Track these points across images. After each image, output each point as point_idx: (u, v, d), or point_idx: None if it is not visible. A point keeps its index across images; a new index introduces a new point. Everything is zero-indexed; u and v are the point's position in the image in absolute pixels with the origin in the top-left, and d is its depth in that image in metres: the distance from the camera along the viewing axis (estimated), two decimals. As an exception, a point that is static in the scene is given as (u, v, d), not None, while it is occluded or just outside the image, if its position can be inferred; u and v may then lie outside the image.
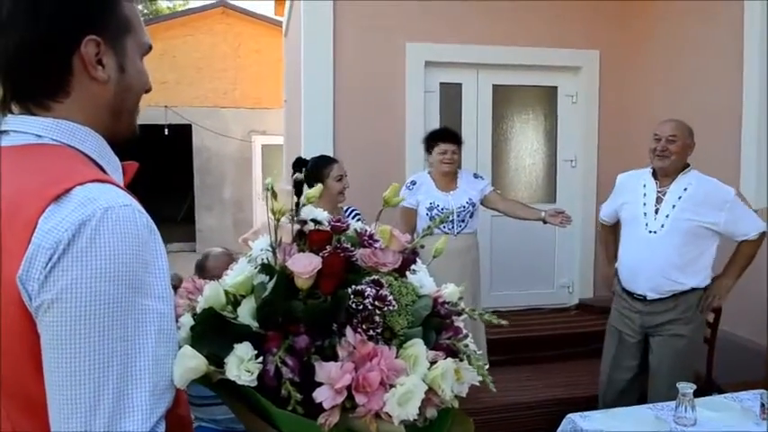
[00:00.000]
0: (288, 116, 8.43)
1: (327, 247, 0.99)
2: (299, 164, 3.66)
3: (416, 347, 0.93)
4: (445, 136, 4.13)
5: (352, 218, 3.60)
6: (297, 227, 1.02)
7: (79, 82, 0.96)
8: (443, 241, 1.17)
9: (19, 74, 0.95)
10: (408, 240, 1.08)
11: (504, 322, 1.09)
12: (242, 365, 0.87)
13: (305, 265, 0.92)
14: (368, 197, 4.23)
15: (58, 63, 0.94)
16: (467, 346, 1.03)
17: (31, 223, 0.82)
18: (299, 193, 1.05)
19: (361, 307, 0.90)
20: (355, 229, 1.06)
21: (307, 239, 1.01)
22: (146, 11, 25.31)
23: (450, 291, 1.10)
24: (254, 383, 0.87)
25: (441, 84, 5.40)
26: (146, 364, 0.84)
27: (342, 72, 5.12)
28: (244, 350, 0.88)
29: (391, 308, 0.92)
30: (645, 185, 3.36)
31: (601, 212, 3.77)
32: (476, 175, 4.25)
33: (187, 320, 0.95)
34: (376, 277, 0.96)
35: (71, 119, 0.96)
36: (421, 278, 1.07)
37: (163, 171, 12.74)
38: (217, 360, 0.89)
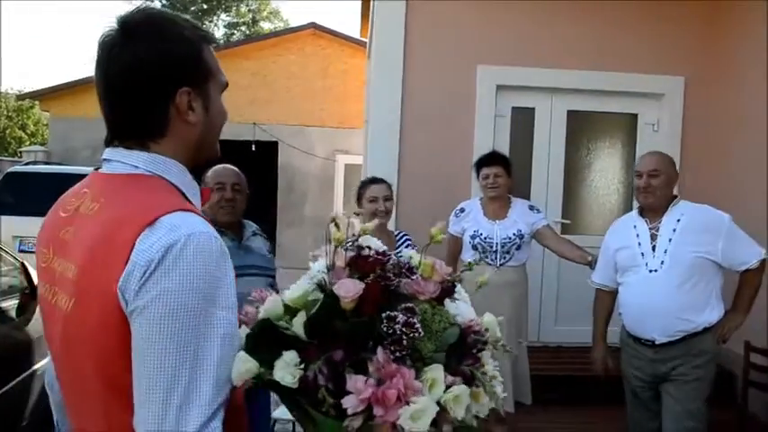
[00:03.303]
0: (366, 136, 8.47)
1: (372, 275, 1.11)
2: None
3: (435, 372, 1.05)
4: (489, 159, 3.97)
5: (403, 243, 3.54)
6: (351, 254, 1.16)
7: (174, 125, 1.16)
8: (485, 276, 1.29)
9: (125, 121, 1.16)
10: (448, 273, 1.19)
11: (515, 353, 1.26)
12: (287, 369, 1.03)
13: (348, 290, 1.06)
14: (431, 222, 4.15)
15: (157, 113, 1.15)
16: (484, 374, 1.15)
17: (129, 243, 1.02)
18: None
19: (391, 331, 1.03)
20: (398, 261, 1.19)
21: (357, 266, 1.15)
22: (248, 32, 26.32)
23: (487, 320, 1.22)
24: (295, 386, 1.03)
25: (513, 108, 5.26)
26: (212, 360, 1.02)
27: (411, 94, 5.07)
28: (290, 357, 1.04)
29: (417, 334, 1.04)
30: (635, 226, 3.13)
31: (594, 276, 3.40)
32: (531, 207, 4.00)
33: (244, 331, 1.11)
34: (411, 305, 1.07)
35: (163, 154, 1.16)
36: (459, 306, 1.19)
37: (250, 187, 13.03)
38: (270, 363, 1.05)
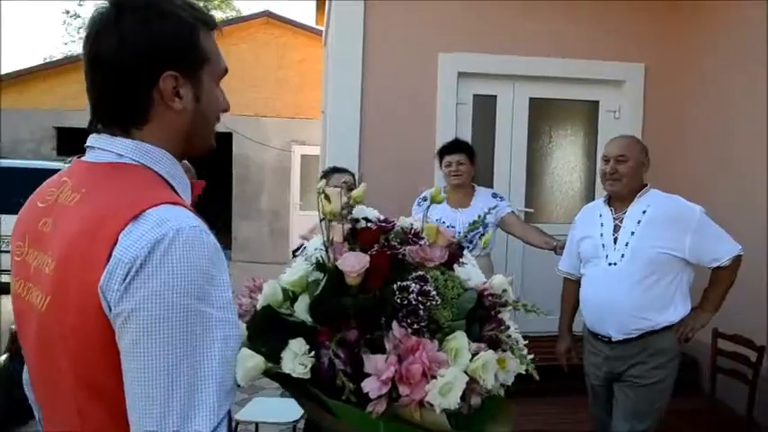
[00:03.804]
0: (324, 127, 8.31)
1: (375, 245, 1.05)
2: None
3: (458, 340, 0.98)
4: (451, 147, 3.88)
5: None
6: (347, 226, 1.09)
7: (158, 111, 1.08)
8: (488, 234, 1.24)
9: (106, 103, 1.09)
10: (453, 235, 1.14)
11: (543, 312, 1.19)
12: (296, 359, 0.95)
13: (353, 264, 0.98)
14: (393, 212, 4.06)
15: (139, 96, 1.06)
16: (509, 336, 1.09)
17: (112, 239, 0.94)
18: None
19: (405, 302, 0.96)
20: (402, 227, 1.13)
21: (357, 238, 1.08)
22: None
23: (497, 281, 1.16)
24: (308, 376, 0.94)
25: (474, 96, 5.18)
26: (213, 366, 0.93)
27: (371, 82, 4.94)
28: (297, 345, 0.96)
29: (434, 303, 0.97)
30: (601, 215, 2.95)
31: (560, 263, 3.26)
32: (495, 195, 3.94)
33: (242, 326, 1.03)
34: (422, 273, 1.01)
35: (148, 141, 1.08)
36: (468, 271, 1.14)
37: (202, 178, 12.75)
38: (276, 355, 0.97)
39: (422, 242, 1.10)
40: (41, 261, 1.04)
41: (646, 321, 2.76)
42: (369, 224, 1.11)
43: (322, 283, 1.01)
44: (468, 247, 3.63)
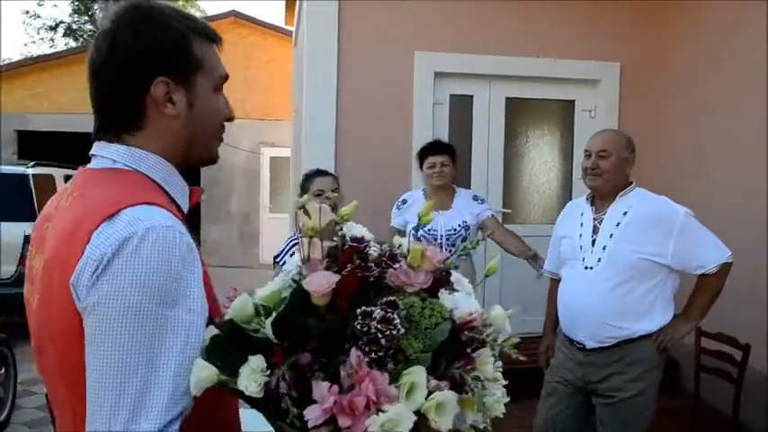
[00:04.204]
0: (296, 128, 8.19)
1: (349, 265, 1.00)
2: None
3: (415, 375, 0.91)
4: (434, 148, 3.81)
5: None
6: (329, 244, 1.04)
7: (153, 117, 1.10)
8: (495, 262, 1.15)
9: (104, 110, 1.12)
10: (442, 260, 1.06)
11: (522, 358, 1.10)
12: (251, 377, 0.90)
13: (319, 284, 0.93)
14: (370, 216, 3.99)
15: (132, 102, 1.09)
16: (478, 378, 1.00)
17: (86, 237, 0.95)
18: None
19: (365, 329, 0.90)
20: (379, 249, 1.07)
21: (336, 257, 1.03)
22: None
23: (495, 314, 1.08)
24: (260, 395, 0.90)
25: (451, 96, 5.13)
26: (168, 369, 0.92)
27: (346, 82, 4.86)
28: (256, 362, 0.92)
29: (394, 332, 0.90)
30: (582, 213, 2.79)
31: (546, 263, 3.13)
32: (476, 197, 3.87)
33: (209, 332, 0.98)
34: (393, 298, 0.94)
35: (143, 147, 1.10)
36: (457, 299, 1.04)
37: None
38: (236, 369, 0.92)
39: (397, 266, 1.02)
40: (38, 262, 1.08)
41: (620, 330, 2.60)
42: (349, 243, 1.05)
43: (285, 302, 0.97)
44: (451, 251, 3.59)
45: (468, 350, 1.01)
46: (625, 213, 2.64)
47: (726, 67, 4.43)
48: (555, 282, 3.03)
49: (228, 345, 0.96)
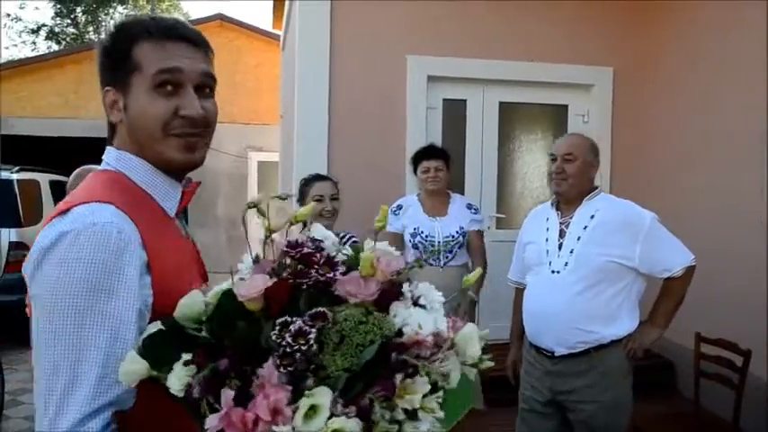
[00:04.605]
0: (284, 132, 8.13)
1: (288, 269, 0.95)
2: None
3: (317, 397, 0.84)
4: (428, 152, 3.77)
5: (348, 244, 3.27)
6: (282, 247, 0.99)
7: (116, 124, 1.18)
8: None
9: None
10: (395, 272, 0.96)
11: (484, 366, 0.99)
12: (179, 374, 0.89)
13: (248, 288, 0.90)
14: (363, 220, 3.94)
15: (106, 111, 1.18)
16: (392, 408, 0.87)
17: (41, 232, 1.02)
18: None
19: (280, 341, 0.85)
20: (317, 252, 0.97)
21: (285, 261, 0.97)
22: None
23: (463, 334, 0.96)
24: (181, 394, 0.88)
25: (444, 100, 5.10)
26: (97, 358, 0.95)
27: (338, 86, 4.81)
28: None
29: (304, 348, 0.84)
30: (548, 219, 2.76)
31: (510, 272, 3.05)
32: (470, 206, 3.81)
33: (153, 327, 0.97)
34: (322, 309, 0.88)
35: (123, 149, 1.17)
36: (414, 314, 0.93)
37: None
38: (171, 365, 0.91)
39: (333, 273, 0.94)
40: None
41: (590, 335, 2.56)
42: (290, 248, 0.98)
43: (215, 303, 0.95)
44: (448, 258, 3.53)
45: (400, 375, 0.88)
46: (592, 217, 2.62)
47: (718, 69, 4.43)
48: (520, 291, 2.96)
49: (169, 341, 0.94)
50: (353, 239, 3.37)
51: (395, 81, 4.88)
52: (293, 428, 0.82)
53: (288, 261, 0.96)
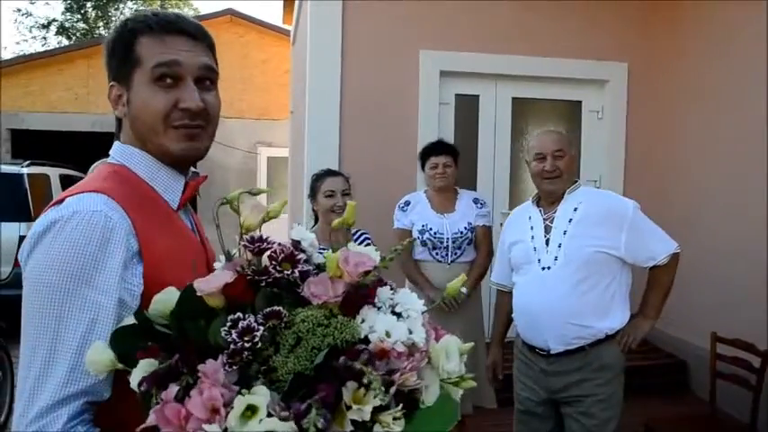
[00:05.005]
0: (294, 128, 8.10)
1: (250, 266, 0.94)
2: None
3: (254, 398, 0.81)
4: (436, 148, 3.72)
5: (361, 242, 3.25)
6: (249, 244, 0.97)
7: (122, 119, 1.20)
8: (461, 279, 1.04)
9: None
10: (363, 272, 0.92)
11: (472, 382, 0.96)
12: (143, 369, 0.87)
13: (206, 283, 0.89)
14: (375, 218, 3.93)
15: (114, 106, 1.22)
16: (324, 415, 0.81)
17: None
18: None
19: (227, 338, 0.84)
20: (281, 253, 0.95)
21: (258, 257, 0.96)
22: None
23: (440, 346, 0.92)
24: (136, 388, 0.86)
25: (456, 95, 5.04)
26: (72, 344, 0.96)
27: (350, 81, 4.77)
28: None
29: (246, 345, 0.83)
30: (530, 217, 2.71)
31: (492, 274, 3.00)
32: (476, 200, 3.75)
33: (129, 319, 0.96)
34: (278, 308, 0.86)
35: (128, 143, 1.20)
36: (384, 320, 0.88)
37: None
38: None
39: (289, 272, 0.92)
40: None
41: (586, 329, 2.53)
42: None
43: (176, 298, 0.93)
44: (456, 254, 3.49)
45: (353, 383, 0.83)
46: (575, 210, 2.58)
47: (735, 65, 4.37)
48: (503, 294, 2.92)
49: (139, 335, 0.93)
50: (366, 237, 3.33)
51: (407, 76, 4.83)
52: (227, 428, 0.79)
53: (249, 257, 0.95)
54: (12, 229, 6.32)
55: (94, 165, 3.05)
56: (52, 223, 1.00)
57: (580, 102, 5.25)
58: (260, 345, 0.84)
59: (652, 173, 5.06)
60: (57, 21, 22.73)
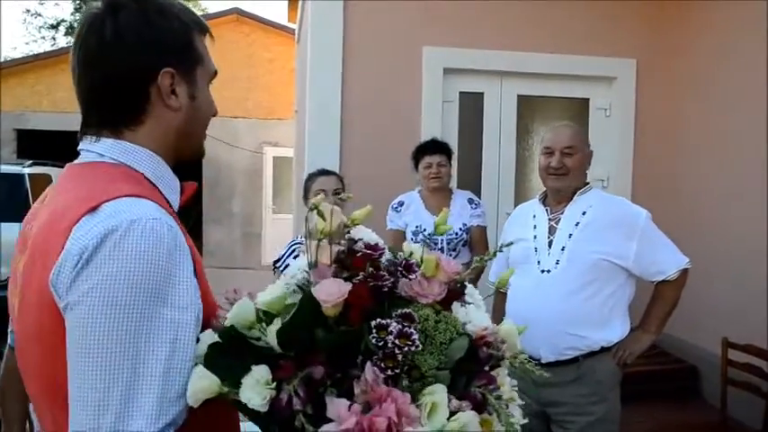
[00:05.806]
0: (298, 127, 8.03)
1: (361, 273, 0.94)
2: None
3: (437, 395, 0.86)
4: (430, 147, 3.65)
5: (295, 257, 3.17)
6: (338, 249, 0.98)
7: (154, 110, 1.06)
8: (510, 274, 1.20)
9: (100, 104, 1.06)
10: (456, 271, 1.01)
11: (546, 374, 1.09)
12: (255, 389, 0.85)
13: (329, 293, 0.88)
14: (376, 217, 3.81)
15: (135, 94, 1.04)
16: (499, 397, 0.94)
17: (66, 232, 0.90)
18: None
19: (381, 344, 0.85)
20: (393, 256, 1.01)
21: (346, 263, 0.97)
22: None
23: (506, 329, 1.04)
24: (265, 408, 0.84)
25: (460, 93, 4.92)
26: (157, 370, 0.86)
27: (351, 79, 4.67)
28: (260, 372, 0.86)
29: (413, 348, 0.85)
30: (535, 215, 2.59)
31: (491, 275, 2.88)
32: (471, 200, 3.68)
33: (208, 337, 0.92)
34: (408, 311, 0.89)
35: (136, 142, 1.05)
36: (470, 312, 0.99)
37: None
38: (237, 380, 0.86)
39: (412, 276, 0.96)
40: (21, 263, 1.02)
41: (581, 340, 2.40)
42: (360, 249, 0.99)
43: (293, 310, 0.90)
44: (451, 256, 3.41)
45: (486, 368, 0.95)
46: (584, 213, 2.47)
47: (745, 63, 4.24)
48: (500, 294, 2.77)
49: (229, 353, 0.90)
50: (297, 244, 3.26)
51: (410, 74, 4.73)
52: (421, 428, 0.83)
53: (367, 266, 0.95)
54: (12, 230, 6.26)
55: (68, 165, 2.93)
56: (106, 235, 0.88)
57: (587, 99, 5.12)
58: (420, 346, 0.86)
59: (661, 171, 4.94)
60: (66, 21, 22.78)
